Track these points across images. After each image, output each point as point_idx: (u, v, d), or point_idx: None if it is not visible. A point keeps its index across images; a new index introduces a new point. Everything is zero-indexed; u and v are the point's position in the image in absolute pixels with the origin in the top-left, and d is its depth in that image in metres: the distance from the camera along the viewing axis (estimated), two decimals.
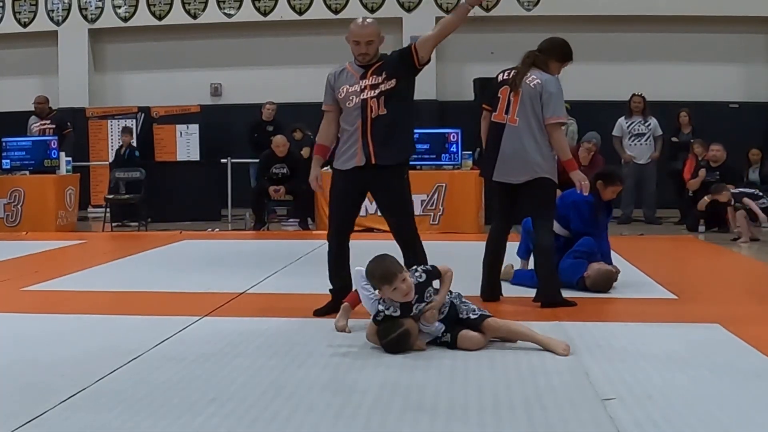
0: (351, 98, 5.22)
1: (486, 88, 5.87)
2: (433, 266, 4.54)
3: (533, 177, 5.53)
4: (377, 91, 5.16)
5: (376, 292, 4.48)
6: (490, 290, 5.78)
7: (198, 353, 4.33)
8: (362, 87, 5.19)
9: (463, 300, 4.59)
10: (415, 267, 4.52)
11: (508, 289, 6.14)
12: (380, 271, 4.33)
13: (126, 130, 13.70)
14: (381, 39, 5.27)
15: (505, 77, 5.68)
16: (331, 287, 5.42)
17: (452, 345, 4.38)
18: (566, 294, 5.73)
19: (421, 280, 4.42)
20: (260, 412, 3.36)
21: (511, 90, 5.57)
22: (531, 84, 5.52)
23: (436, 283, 4.54)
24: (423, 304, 4.41)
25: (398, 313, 4.36)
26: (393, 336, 4.28)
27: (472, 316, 4.48)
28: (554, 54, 5.67)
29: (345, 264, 5.38)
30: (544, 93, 5.49)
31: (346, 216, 5.47)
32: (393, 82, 5.16)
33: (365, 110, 5.16)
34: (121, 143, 13.56)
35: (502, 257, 5.91)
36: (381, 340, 4.33)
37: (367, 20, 5.33)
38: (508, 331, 4.47)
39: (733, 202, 10.37)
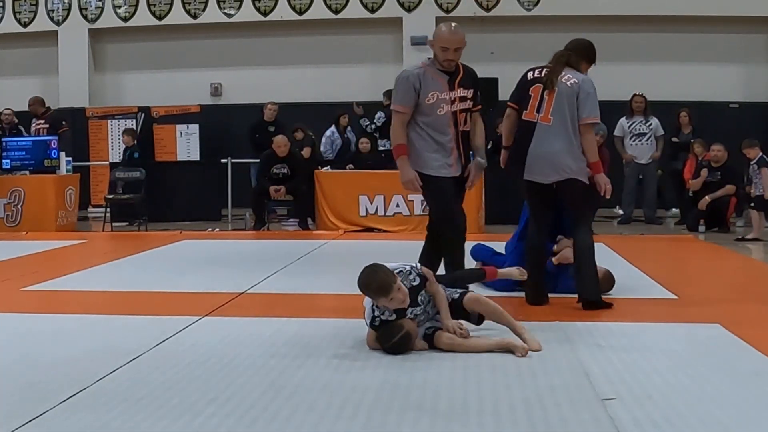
0: (441, 106, 5.28)
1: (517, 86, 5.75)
2: (420, 273, 4.48)
3: (563, 178, 5.47)
4: (465, 106, 5.36)
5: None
6: (539, 294, 5.69)
7: (198, 353, 4.33)
8: (452, 98, 5.28)
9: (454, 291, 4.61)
10: (408, 270, 4.47)
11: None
12: (376, 285, 4.29)
13: (128, 132, 13.69)
14: (465, 46, 5.31)
15: (536, 75, 5.57)
16: None
17: (429, 341, 4.38)
18: (569, 297, 5.75)
19: (415, 283, 4.41)
20: (260, 412, 3.36)
21: (545, 88, 5.46)
22: (568, 83, 5.45)
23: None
24: (418, 308, 4.40)
25: (393, 317, 4.34)
26: (395, 340, 4.27)
27: (455, 296, 4.52)
28: (584, 55, 5.64)
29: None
30: (582, 93, 5.44)
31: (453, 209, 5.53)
32: (471, 103, 5.44)
33: (456, 122, 5.33)
34: (125, 145, 13.54)
35: (545, 258, 5.85)
36: (383, 345, 4.32)
37: (454, 25, 5.32)
38: (487, 309, 4.49)
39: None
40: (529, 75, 5.63)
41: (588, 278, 5.49)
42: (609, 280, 6.14)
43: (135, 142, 13.33)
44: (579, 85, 5.45)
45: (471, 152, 5.59)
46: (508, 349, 4.28)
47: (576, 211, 5.62)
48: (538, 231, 5.70)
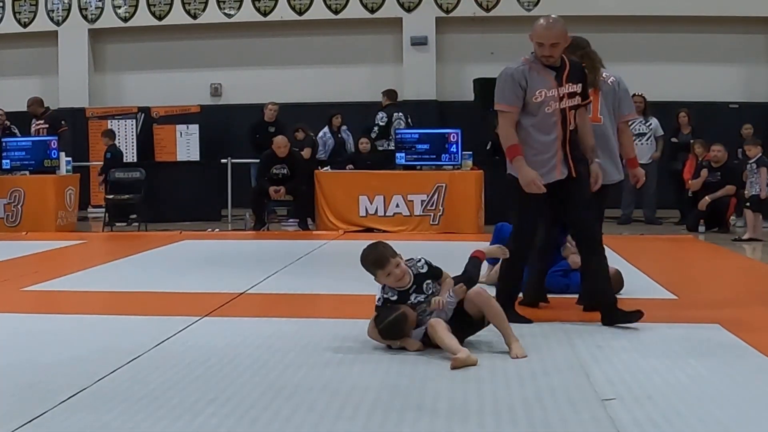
0: (550, 104, 4.89)
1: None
2: (439, 268, 4.52)
3: (622, 177, 5.58)
4: (574, 102, 4.95)
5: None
6: (535, 295, 5.65)
7: (198, 353, 4.33)
8: (561, 94, 4.90)
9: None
10: (419, 257, 4.52)
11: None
12: (373, 257, 4.37)
13: (106, 133, 13.54)
14: (567, 40, 4.95)
15: None
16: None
17: (427, 341, 4.37)
18: (569, 297, 5.75)
19: (422, 270, 4.45)
20: (260, 412, 3.36)
21: (589, 88, 5.39)
22: (608, 81, 5.50)
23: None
24: (422, 296, 4.41)
25: (396, 298, 4.40)
26: (390, 319, 4.30)
27: (433, 265, 4.53)
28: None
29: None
30: (620, 90, 5.51)
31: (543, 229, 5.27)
32: (580, 99, 5.00)
33: (565, 121, 4.90)
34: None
35: (551, 262, 5.82)
36: (378, 326, 4.35)
37: (553, 18, 4.99)
38: (489, 307, 4.40)
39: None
40: None
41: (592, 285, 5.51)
42: (618, 281, 6.14)
43: (114, 142, 13.28)
44: (618, 83, 5.53)
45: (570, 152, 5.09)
46: (507, 345, 4.30)
47: (598, 210, 5.64)
48: (546, 232, 5.68)
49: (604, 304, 5.03)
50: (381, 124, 12.99)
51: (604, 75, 5.51)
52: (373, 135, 12.86)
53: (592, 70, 5.43)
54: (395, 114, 13.11)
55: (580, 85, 4.93)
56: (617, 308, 4.98)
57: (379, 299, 4.45)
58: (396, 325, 4.30)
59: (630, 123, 5.87)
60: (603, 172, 5.38)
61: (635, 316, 4.89)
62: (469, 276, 4.69)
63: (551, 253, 5.78)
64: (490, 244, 6.64)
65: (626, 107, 5.54)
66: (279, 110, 13.64)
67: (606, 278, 5.04)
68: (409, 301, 4.40)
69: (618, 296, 5.95)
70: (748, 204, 10.52)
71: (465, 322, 4.44)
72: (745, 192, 10.67)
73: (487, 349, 4.38)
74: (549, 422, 3.23)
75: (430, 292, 4.44)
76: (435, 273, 4.50)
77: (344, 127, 13.68)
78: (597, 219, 5.08)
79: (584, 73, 5.04)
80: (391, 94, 13.43)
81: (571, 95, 4.90)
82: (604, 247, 5.08)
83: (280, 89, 15.03)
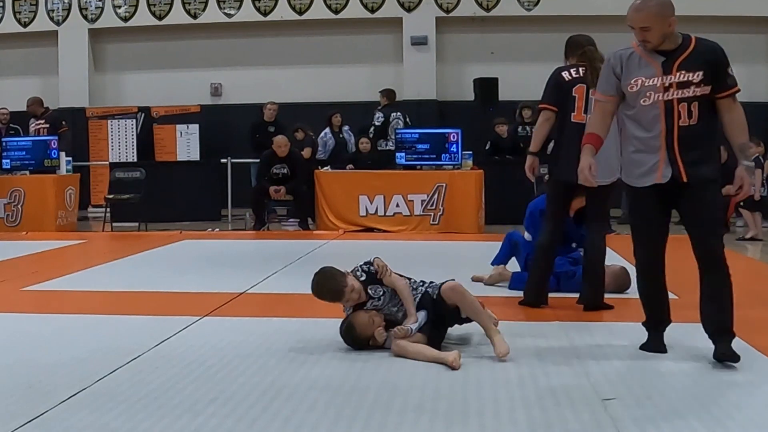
0: (647, 95, 4.19)
1: (551, 89, 5.56)
2: (369, 269, 4.50)
3: (616, 178, 5.36)
4: (689, 93, 4.16)
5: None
6: (539, 294, 5.64)
7: (198, 353, 4.33)
8: (666, 84, 4.16)
9: (429, 284, 4.57)
10: (356, 267, 4.53)
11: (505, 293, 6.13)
12: (328, 293, 4.47)
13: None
14: (668, 22, 4.15)
15: (575, 76, 5.48)
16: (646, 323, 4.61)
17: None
18: (569, 297, 5.75)
19: (362, 279, 4.47)
20: (260, 412, 3.36)
21: (590, 88, 5.35)
22: None
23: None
24: (375, 301, 4.45)
25: (350, 311, 4.50)
26: (342, 333, 4.42)
27: (435, 291, 4.48)
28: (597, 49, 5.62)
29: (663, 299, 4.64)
30: None
31: (654, 242, 4.51)
32: (709, 89, 4.16)
33: (671, 115, 4.17)
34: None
35: (553, 260, 5.78)
36: (341, 335, 4.46)
37: (640, 0, 4.24)
38: (464, 302, 4.35)
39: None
40: (566, 76, 5.51)
41: (597, 283, 5.52)
42: (625, 280, 6.15)
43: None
44: None
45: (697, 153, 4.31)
46: (491, 342, 4.27)
47: (602, 214, 5.65)
48: (553, 232, 5.67)
49: (713, 331, 4.25)
50: (377, 124, 13.00)
51: None
52: (370, 135, 12.87)
53: (591, 70, 5.42)
54: (393, 114, 13.12)
55: (700, 73, 4.12)
56: (728, 340, 4.17)
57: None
58: (348, 336, 4.39)
59: None
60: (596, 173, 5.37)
61: (735, 358, 4.11)
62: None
63: (554, 254, 5.76)
64: (500, 252, 6.66)
65: None
66: (278, 110, 13.64)
67: (721, 301, 4.22)
68: (365, 308, 4.46)
69: (618, 296, 5.97)
70: (741, 204, 10.53)
71: (444, 315, 4.42)
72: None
73: (487, 348, 4.38)
74: (549, 422, 3.23)
75: (381, 293, 4.45)
76: (373, 277, 4.47)
77: (346, 127, 13.68)
78: (719, 234, 4.32)
79: (718, 56, 4.18)
80: (389, 94, 13.44)
81: (684, 85, 4.13)
82: (724, 265, 4.24)
83: (280, 89, 15.04)
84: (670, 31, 4.14)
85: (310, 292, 6.15)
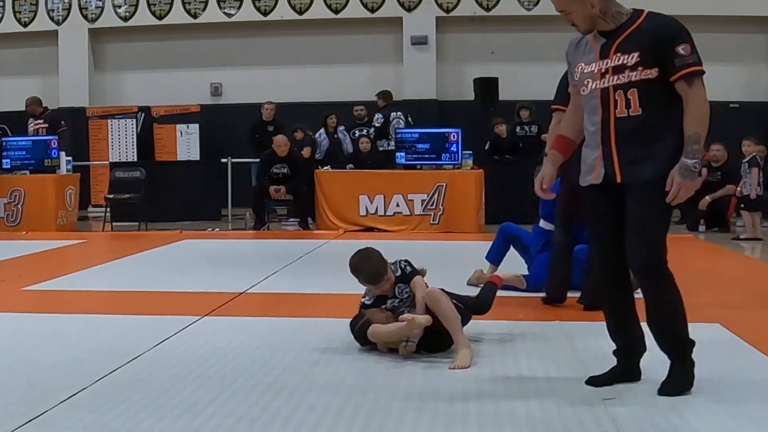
0: (585, 83, 3.67)
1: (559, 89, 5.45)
2: (412, 270, 4.47)
3: None
4: (624, 79, 3.54)
5: None
6: (560, 292, 5.62)
7: (198, 353, 4.33)
8: (602, 70, 3.59)
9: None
10: (397, 261, 4.48)
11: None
12: (369, 271, 4.36)
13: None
14: (589, 3, 3.55)
15: None
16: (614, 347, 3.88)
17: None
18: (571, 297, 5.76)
19: (397, 274, 4.43)
20: (260, 412, 3.36)
21: None
22: None
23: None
24: (396, 300, 4.41)
25: (371, 302, 4.44)
26: (357, 328, 4.35)
27: (408, 269, 4.46)
28: None
29: (628, 315, 3.85)
30: None
31: (608, 244, 3.75)
32: (652, 73, 3.52)
33: (607, 104, 3.60)
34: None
35: (571, 259, 5.73)
36: (351, 330, 4.41)
37: None
38: (438, 309, 4.19)
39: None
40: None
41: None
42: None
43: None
44: None
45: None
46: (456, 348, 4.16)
47: None
48: (566, 233, 5.66)
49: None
50: (377, 125, 13.01)
51: None
52: (370, 135, 12.88)
53: None
54: (393, 114, 13.12)
55: (635, 54, 3.50)
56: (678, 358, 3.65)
57: (360, 302, 4.50)
58: (362, 334, 4.34)
59: None
60: None
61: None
62: (481, 301, 4.65)
63: (572, 250, 5.72)
64: (493, 244, 6.66)
65: None
66: (278, 109, 13.64)
67: (660, 319, 3.69)
68: (384, 305, 4.41)
69: None
70: (742, 205, 10.54)
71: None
72: (737, 191, 10.68)
73: (486, 348, 4.38)
74: (549, 422, 3.23)
75: (405, 295, 4.42)
76: (407, 277, 4.44)
77: (341, 128, 13.68)
78: (648, 244, 3.64)
79: (663, 34, 3.53)
80: (385, 95, 13.45)
81: (620, 69, 3.53)
82: (658, 280, 3.71)
83: (281, 89, 15.04)
84: (595, 12, 3.55)
85: (310, 291, 6.17)
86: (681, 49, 3.51)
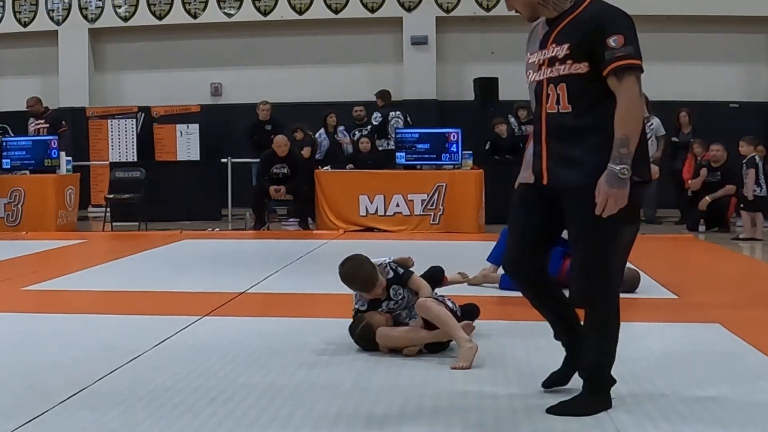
0: (528, 73, 3.44)
1: None
2: (404, 271, 4.45)
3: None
4: (555, 72, 3.27)
5: None
6: None
7: (198, 353, 4.33)
8: (541, 60, 3.34)
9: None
10: (386, 264, 4.47)
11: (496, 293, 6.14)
12: (361, 278, 4.33)
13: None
14: None
15: None
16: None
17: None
18: None
19: (389, 277, 4.42)
20: (260, 412, 3.36)
21: None
22: None
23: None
24: (392, 303, 4.41)
25: (366, 308, 4.44)
26: (357, 331, 4.35)
27: (400, 270, 4.46)
28: None
29: (556, 307, 3.57)
30: None
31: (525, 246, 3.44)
32: (583, 67, 3.21)
33: (540, 99, 3.35)
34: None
35: None
36: (351, 335, 4.41)
37: None
38: (430, 315, 4.17)
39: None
40: None
41: None
42: (635, 282, 6.18)
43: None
44: None
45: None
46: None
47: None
48: None
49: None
50: (374, 123, 13.01)
51: None
52: (366, 133, 12.89)
53: None
54: (392, 113, 13.12)
55: (566, 46, 3.22)
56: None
57: (354, 310, 4.50)
58: (363, 337, 4.34)
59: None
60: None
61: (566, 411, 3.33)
62: (471, 306, 4.62)
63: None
64: (496, 246, 6.66)
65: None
66: (277, 109, 13.64)
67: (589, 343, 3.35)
68: (380, 309, 4.41)
69: (631, 296, 5.94)
70: (742, 206, 10.56)
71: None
72: (737, 191, 10.75)
73: (486, 348, 4.38)
74: (549, 422, 3.23)
75: (400, 297, 4.42)
76: (402, 278, 4.43)
77: (341, 128, 13.69)
78: (587, 272, 3.28)
79: (596, 24, 3.19)
80: (383, 95, 13.45)
81: (552, 61, 3.27)
82: (597, 307, 3.32)
83: (280, 89, 15.04)
84: (536, 0, 3.33)
85: (310, 292, 6.17)
86: (612, 41, 3.14)
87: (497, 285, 6.36)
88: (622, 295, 5.90)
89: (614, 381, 3.38)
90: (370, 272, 4.32)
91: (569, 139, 3.23)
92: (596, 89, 3.18)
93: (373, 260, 4.44)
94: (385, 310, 4.40)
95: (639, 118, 3.15)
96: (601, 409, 3.31)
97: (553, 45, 3.27)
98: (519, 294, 5.80)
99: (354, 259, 4.40)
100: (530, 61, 3.39)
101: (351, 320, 4.48)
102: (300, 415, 3.33)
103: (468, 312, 4.54)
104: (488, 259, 6.66)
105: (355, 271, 4.36)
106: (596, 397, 3.33)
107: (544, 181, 3.29)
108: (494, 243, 6.74)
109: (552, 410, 3.31)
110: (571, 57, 3.21)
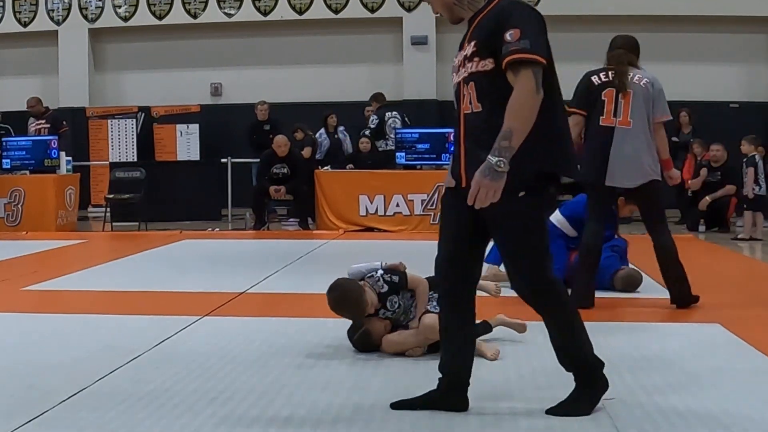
0: (452, 77, 3.41)
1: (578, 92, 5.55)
2: (399, 277, 4.42)
3: (648, 180, 5.44)
4: (466, 71, 3.26)
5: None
6: (586, 296, 5.56)
7: (198, 353, 4.33)
8: (458, 61, 3.33)
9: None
10: (378, 278, 4.39)
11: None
12: (350, 311, 4.30)
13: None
14: None
15: (604, 79, 5.47)
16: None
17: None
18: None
19: (383, 291, 4.36)
20: (260, 412, 3.36)
21: (618, 91, 5.39)
22: (641, 83, 5.44)
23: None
24: (389, 312, 4.38)
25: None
26: (357, 337, 4.36)
27: (396, 278, 4.42)
28: (636, 52, 5.64)
29: (461, 338, 3.41)
30: (654, 91, 5.46)
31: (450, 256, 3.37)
32: (489, 63, 3.16)
33: (458, 99, 3.33)
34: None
35: (599, 261, 5.70)
36: (350, 340, 4.41)
37: None
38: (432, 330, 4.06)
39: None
40: (595, 80, 5.49)
41: (681, 280, 5.54)
42: (636, 282, 6.19)
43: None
44: (652, 84, 5.46)
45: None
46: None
47: (659, 214, 5.64)
48: (597, 232, 5.63)
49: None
50: (372, 126, 13.01)
51: (637, 77, 5.45)
52: (367, 134, 12.89)
53: (618, 73, 5.42)
54: (388, 113, 13.11)
55: (474, 43, 3.21)
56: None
57: None
58: (360, 342, 4.34)
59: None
60: (622, 176, 5.37)
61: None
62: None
63: (600, 255, 5.68)
64: (494, 247, 6.65)
65: (660, 109, 5.46)
66: (277, 109, 13.65)
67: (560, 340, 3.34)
68: (378, 314, 4.41)
69: (618, 296, 5.98)
70: (745, 205, 10.58)
71: None
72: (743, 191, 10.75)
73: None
74: (549, 422, 3.23)
75: (397, 306, 4.39)
76: (396, 287, 4.39)
77: (341, 128, 13.68)
78: (520, 270, 3.30)
79: (498, 19, 3.15)
80: (377, 97, 13.44)
81: (465, 60, 3.25)
82: (546, 305, 3.31)
83: (280, 89, 15.05)
84: (450, 1, 3.33)
85: (310, 292, 6.16)
86: (508, 35, 3.05)
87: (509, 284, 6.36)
88: (623, 295, 5.97)
89: (601, 364, 3.34)
90: (357, 300, 4.25)
91: (483, 140, 3.11)
92: (502, 86, 3.09)
93: (365, 269, 4.43)
94: (384, 317, 4.40)
95: (528, 114, 3.02)
96: (598, 400, 3.31)
97: (467, 45, 3.26)
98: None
99: (338, 289, 4.31)
100: (454, 63, 3.36)
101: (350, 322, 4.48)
102: (300, 415, 3.33)
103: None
104: (486, 260, 6.66)
105: (340, 305, 4.32)
106: (589, 389, 3.32)
107: (463, 185, 3.20)
108: (493, 244, 6.75)
109: (551, 411, 3.31)
110: (477, 54, 3.17)
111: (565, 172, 3.24)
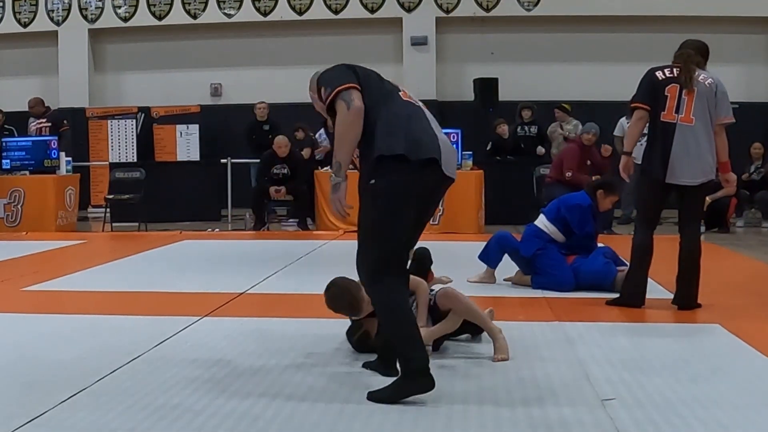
0: None
1: (642, 87, 5.59)
2: None
3: (708, 179, 5.46)
4: None
5: None
6: (637, 295, 5.59)
7: (198, 353, 4.33)
8: None
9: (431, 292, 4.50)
10: None
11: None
12: (347, 307, 4.30)
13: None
14: None
15: (668, 75, 5.52)
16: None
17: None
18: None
19: None
20: (260, 412, 3.36)
21: (683, 88, 5.42)
22: (706, 83, 5.46)
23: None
24: None
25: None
26: (355, 338, 4.36)
27: (433, 300, 4.42)
28: (705, 55, 5.71)
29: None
30: (719, 92, 5.46)
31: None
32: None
33: None
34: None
35: (651, 259, 5.72)
36: (349, 340, 4.42)
37: None
38: (459, 307, 4.28)
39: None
40: (659, 75, 5.52)
41: (694, 283, 5.57)
42: None
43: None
44: (716, 85, 5.48)
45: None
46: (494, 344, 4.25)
47: (697, 211, 5.70)
48: (648, 231, 5.66)
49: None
50: None
51: (702, 76, 5.48)
52: None
53: (685, 71, 5.46)
54: None
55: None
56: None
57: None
58: (361, 343, 4.34)
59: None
60: (684, 173, 5.39)
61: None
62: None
63: (652, 255, 5.69)
64: (490, 251, 6.65)
65: (723, 110, 5.44)
66: (277, 110, 13.64)
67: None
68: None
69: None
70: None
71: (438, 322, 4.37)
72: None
73: (486, 348, 4.38)
74: (549, 422, 3.23)
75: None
76: None
77: None
78: (360, 252, 3.76)
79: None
80: None
81: None
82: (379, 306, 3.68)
83: (280, 89, 15.03)
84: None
85: (310, 292, 6.16)
86: (323, 91, 3.73)
87: (530, 285, 6.38)
88: (604, 295, 5.95)
89: (424, 359, 3.48)
90: (353, 297, 4.24)
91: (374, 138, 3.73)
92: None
93: None
94: None
95: (342, 130, 3.64)
96: (411, 394, 3.45)
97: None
98: (518, 294, 5.86)
99: (335, 286, 4.33)
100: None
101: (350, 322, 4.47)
102: (300, 415, 3.33)
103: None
104: (480, 258, 6.67)
105: (337, 301, 4.32)
106: (405, 381, 3.48)
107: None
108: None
109: (369, 396, 3.51)
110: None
111: (415, 153, 3.72)
